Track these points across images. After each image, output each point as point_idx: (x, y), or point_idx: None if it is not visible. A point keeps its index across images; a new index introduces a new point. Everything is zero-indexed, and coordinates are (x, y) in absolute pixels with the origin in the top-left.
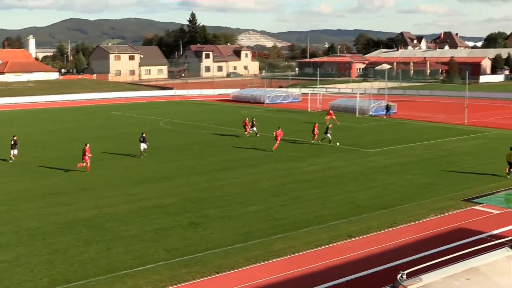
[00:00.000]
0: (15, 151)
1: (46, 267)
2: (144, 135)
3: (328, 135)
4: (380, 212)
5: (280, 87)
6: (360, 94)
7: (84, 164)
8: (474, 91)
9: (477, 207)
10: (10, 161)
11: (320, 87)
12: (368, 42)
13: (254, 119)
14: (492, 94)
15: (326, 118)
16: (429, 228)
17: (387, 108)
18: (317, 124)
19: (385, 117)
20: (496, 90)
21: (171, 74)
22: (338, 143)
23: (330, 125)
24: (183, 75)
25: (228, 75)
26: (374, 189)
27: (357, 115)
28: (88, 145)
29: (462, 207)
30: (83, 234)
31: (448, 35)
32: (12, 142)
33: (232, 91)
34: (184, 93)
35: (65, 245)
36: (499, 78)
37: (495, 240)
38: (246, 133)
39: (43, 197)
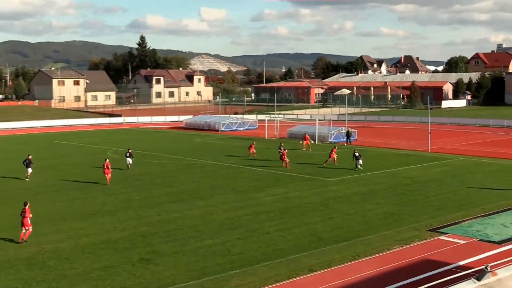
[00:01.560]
0: (30, 170)
1: None
2: (130, 150)
3: (360, 161)
4: (342, 244)
5: (236, 113)
6: (319, 120)
7: (108, 177)
8: (436, 116)
9: (443, 237)
10: (27, 179)
11: (277, 113)
12: (327, 66)
13: None
14: (455, 119)
15: (302, 143)
16: (393, 260)
17: (348, 135)
18: (335, 148)
19: (345, 144)
20: (459, 115)
21: (119, 100)
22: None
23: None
24: (132, 101)
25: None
26: (335, 220)
27: (317, 142)
28: (107, 160)
29: (427, 237)
30: (22, 274)
31: (409, 59)
32: (27, 161)
33: (185, 118)
34: (133, 121)
35: (2, 287)
36: (461, 103)
37: (461, 271)
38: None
39: None
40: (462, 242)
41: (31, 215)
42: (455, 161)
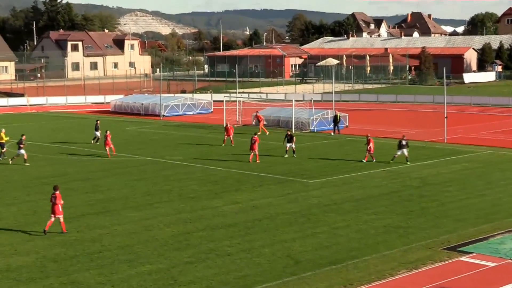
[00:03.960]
0: (22, 151)
1: None
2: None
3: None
4: (328, 269)
5: (183, 92)
6: (297, 101)
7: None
8: (455, 94)
9: (465, 258)
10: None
11: (240, 92)
12: (306, 27)
13: None
14: (480, 98)
15: (256, 125)
16: None
17: (335, 120)
18: (371, 139)
19: (332, 133)
20: (486, 93)
21: (20, 74)
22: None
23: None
24: (39, 75)
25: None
26: (319, 237)
27: (293, 131)
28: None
29: (444, 258)
30: None
31: (418, 16)
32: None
33: (112, 99)
34: (41, 102)
35: None
36: (489, 76)
37: None
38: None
39: None
40: (491, 264)
41: (62, 201)
42: (480, 155)
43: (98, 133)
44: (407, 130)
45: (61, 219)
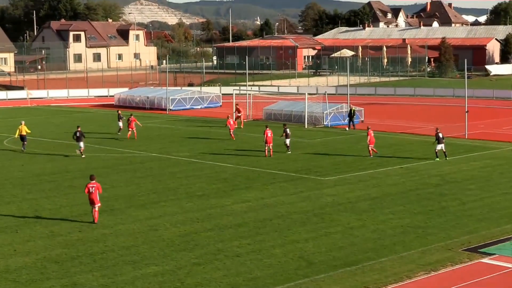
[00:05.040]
0: (82, 144)
1: None
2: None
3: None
4: (342, 271)
5: (190, 85)
6: (310, 94)
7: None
8: (477, 87)
9: (486, 260)
10: (83, 156)
11: (250, 85)
12: (320, 17)
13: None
14: (504, 92)
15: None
16: None
17: (350, 115)
18: (370, 131)
19: (347, 128)
20: (509, 87)
21: (20, 66)
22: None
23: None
24: (39, 67)
25: None
26: (333, 237)
27: (306, 126)
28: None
29: (465, 260)
30: None
31: (437, 5)
32: (78, 134)
33: (116, 92)
34: (42, 95)
35: None
36: None
37: None
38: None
39: None
40: None
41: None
42: (503, 151)
43: (120, 123)
44: (426, 125)
45: (97, 208)
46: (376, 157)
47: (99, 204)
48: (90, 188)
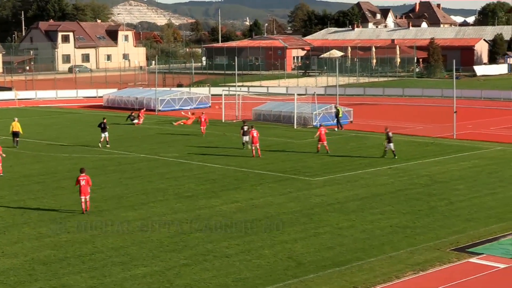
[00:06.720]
0: (106, 134)
1: None
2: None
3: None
4: (331, 271)
5: (180, 85)
6: (299, 95)
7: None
8: (465, 88)
9: (474, 260)
10: (108, 145)
11: (239, 86)
12: (309, 18)
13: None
14: (492, 92)
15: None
16: None
17: (337, 114)
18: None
19: (336, 129)
20: (497, 87)
21: (8, 67)
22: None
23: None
24: (27, 67)
25: (70, 69)
26: (322, 237)
27: (295, 126)
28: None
29: (453, 259)
30: None
31: (426, 6)
32: (103, 125)
33: (105, 93)
34: (30, 96)
35: None
36: (500, 69)
37: None
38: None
39: None
40: (502, 266)
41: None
42: (491, 151)
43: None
44: (414, 125)
45: (88, 199)
46: (365, 157)
47: (89, 195)
48: (81, 181)
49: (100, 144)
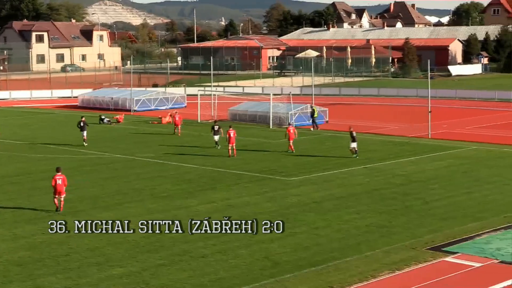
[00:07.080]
0: (85, 132)
1: None
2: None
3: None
4: (308, 271)
5: (155, 85)
6: (275, 95)
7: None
8: (440, 88)
9: (450, 258)
10: (85, 144)
11: (215, 86)
12: (285, 18)
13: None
14: (466, 92)
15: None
16: None
17: (312, 114)
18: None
19: (312, 129)
20: (471, 87)
21: None
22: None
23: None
24: (1, 68)
25: (63, 68)
26: (299, 237)
27: (271, 126)
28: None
29: (428, 258)
30: None
31: (400, 6)
32: (82, 124)
33: (80, 93)
34: (4, 96)
35: None
36: (474, 69)
37: None
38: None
39: None
40: (477, 265)
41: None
42: (466, 151)
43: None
44: (389, 125)
45: (62, 198)
46: (340, 157)
47: (64, 195)
48: (57, 180)
49: (84, 143)
